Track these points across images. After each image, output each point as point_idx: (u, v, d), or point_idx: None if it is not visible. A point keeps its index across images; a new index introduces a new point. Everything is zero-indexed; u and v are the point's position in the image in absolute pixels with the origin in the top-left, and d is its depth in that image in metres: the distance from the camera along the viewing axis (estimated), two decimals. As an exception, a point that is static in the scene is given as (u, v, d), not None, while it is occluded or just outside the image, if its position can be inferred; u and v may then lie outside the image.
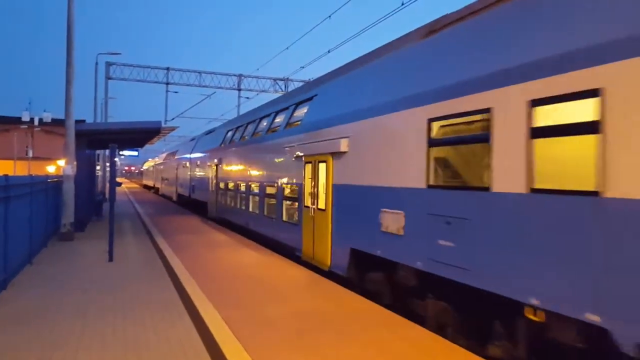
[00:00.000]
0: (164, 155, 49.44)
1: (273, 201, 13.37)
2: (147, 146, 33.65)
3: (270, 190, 13.60)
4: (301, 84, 33.73)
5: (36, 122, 44.47)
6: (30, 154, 44.73)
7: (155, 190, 53.34)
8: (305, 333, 5.86)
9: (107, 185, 25.24)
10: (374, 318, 6.54)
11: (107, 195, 30.24)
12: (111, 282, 9.24)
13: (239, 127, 18.70)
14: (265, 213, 13.91)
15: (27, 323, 6.67)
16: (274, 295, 7.69)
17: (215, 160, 20.68)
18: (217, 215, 20.31)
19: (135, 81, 36.01)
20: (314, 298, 7.54)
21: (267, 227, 13.72)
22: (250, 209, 15.48)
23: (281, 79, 38.90)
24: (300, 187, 11.09)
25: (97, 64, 34.92)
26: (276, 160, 13.11)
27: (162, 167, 46.87)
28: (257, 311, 6.81)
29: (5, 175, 8.51)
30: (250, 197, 15.49)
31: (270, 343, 5.51)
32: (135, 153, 36.67)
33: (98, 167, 33.00)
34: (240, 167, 16.93)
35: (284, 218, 12.33)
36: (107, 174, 32.94)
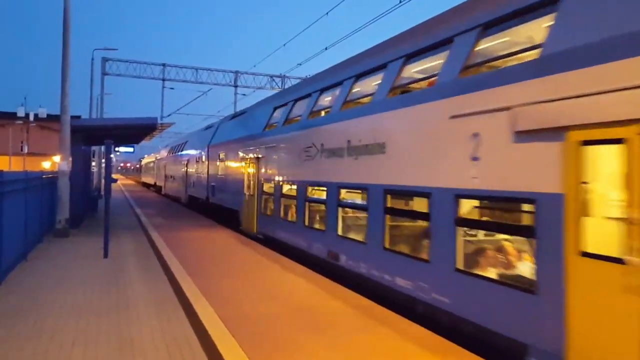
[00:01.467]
0: (168, 148, 41.19)
1: (413, 225, 7.96)
2: (143, 142, 33.58)
3: (400, 203, 8.17)
4: (298, 80, 33.68)
5: (31, 118, 44.35)
6: (26, 150, 44.61)
7: (157, 189, 45.34)
8: None
9: (103, 181, 25.14)
10: None
11: (102, 192, 30.15)
12: (106, 279, 9.22)
13: (298, 99, 12.60)
14: (387, 245, 7.76)
15: (22, 319, 6.65)
16: None
17: (256, 153, 14.51)
18: (260, 231, 14.14)
19: (131, 77, 35.98)
20: None
21: (396, 272, 7.39)
22: (340, 232, 9.42)
23: (278, 76, 38.90)
24: (552, 202, 4.89)
25: (93, 59, 34.87)
26: (429, 143, 6.91)
27: (166, 162, 38.76)
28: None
29: (0, 171, 8.48)
30: (340, 210, 9.53)
31: None
32: (131, 149, 36.62)
33: (93, 164, 32.94)
34: (314, 160, 10.56)
35: (460, 266, 6.15)
36: (103, 170, 32.86)
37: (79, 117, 33.05)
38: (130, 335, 6.10)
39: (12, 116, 44.96)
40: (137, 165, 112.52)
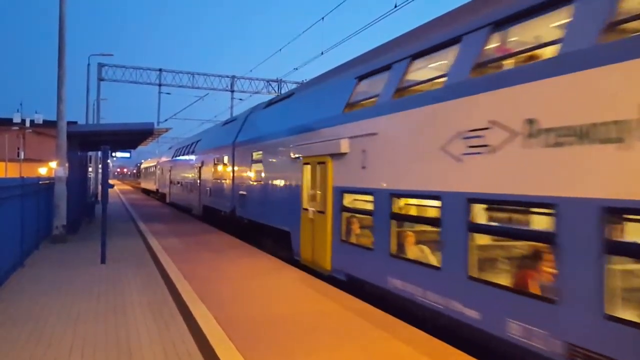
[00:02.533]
0: (173, 149, 36.22)
1: None
2: (139, 147, 33.48)
3: None
4: (295, 85, 33.80)
5: (27, 124, 44.34)
6: (22, 156, 44.54)
7: (161, 196, 39.46)
8: None
9: (100, 187, 24.89)
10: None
11: (99, 197, 29.99)
12: (104, 284, 9.20)
13: (422, 54, 7.58)
14: None
15: (19, 325, 6.63)
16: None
17: (328, 148, 9.52)
18: (340, 268, 9.03)
19: (128, 82, 35.96)
20: None
21: None
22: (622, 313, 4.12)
23: (274, 80, 38.96)
24: None
25: (89, 65, 34.89)
26: None
27: (171, 165, 33.42)
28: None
29: (-3, 177, 8.47)
30: (613, 261, 4.23)
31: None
32: (128, 155, 36.55)
33: (90, 169, 32.90)
34: (501, 153, 5.52)
35: None
36: (100, 176, 32.75)
37: (75, 122, 33.08)
38: (128, 341, 6.10)
39: (8, 122, 44.90)
40: (134, 170, 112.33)
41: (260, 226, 14.03)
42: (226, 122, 21.98)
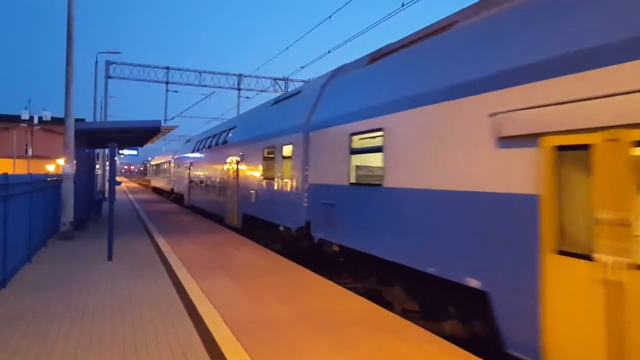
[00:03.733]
0: (194, 141, 29.86)
1: None
2: (146, 145, 33.50)
3: None
4: (301, 83, 33.79)
5: (36, 121, 44.54)
6: (30, 153, 44.80)
7: (177, 197, 34.01)
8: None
9: (107, 184, 24.81)
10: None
11: (106, 195, 29.87)
12: (110, 281, 9.24)
13: None
14: None
15: (26, 322, 6.67)
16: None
17: None
18: None
19: (135, 80, 36.08)
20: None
21: None
22: None
23: (281, 79, 38.96)
24: None
25: (97, 63, 35.04)
26: None
27: (192, 160, 27.77)
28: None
29: (5, 174, 8.52)
30: None
31: None
32: (135, 152, 36.67)
33: (98, 166, 33.04)
34: None
35: None
36: (107, 173, 32.80)
37: (82, 120, 33.28)
38: (134, 339, 6.12)
39: (17, 119, 45.16)
40: (141, 168, 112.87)
41: (378, 262, 8.37)
42: (278, 100, 15.73)
